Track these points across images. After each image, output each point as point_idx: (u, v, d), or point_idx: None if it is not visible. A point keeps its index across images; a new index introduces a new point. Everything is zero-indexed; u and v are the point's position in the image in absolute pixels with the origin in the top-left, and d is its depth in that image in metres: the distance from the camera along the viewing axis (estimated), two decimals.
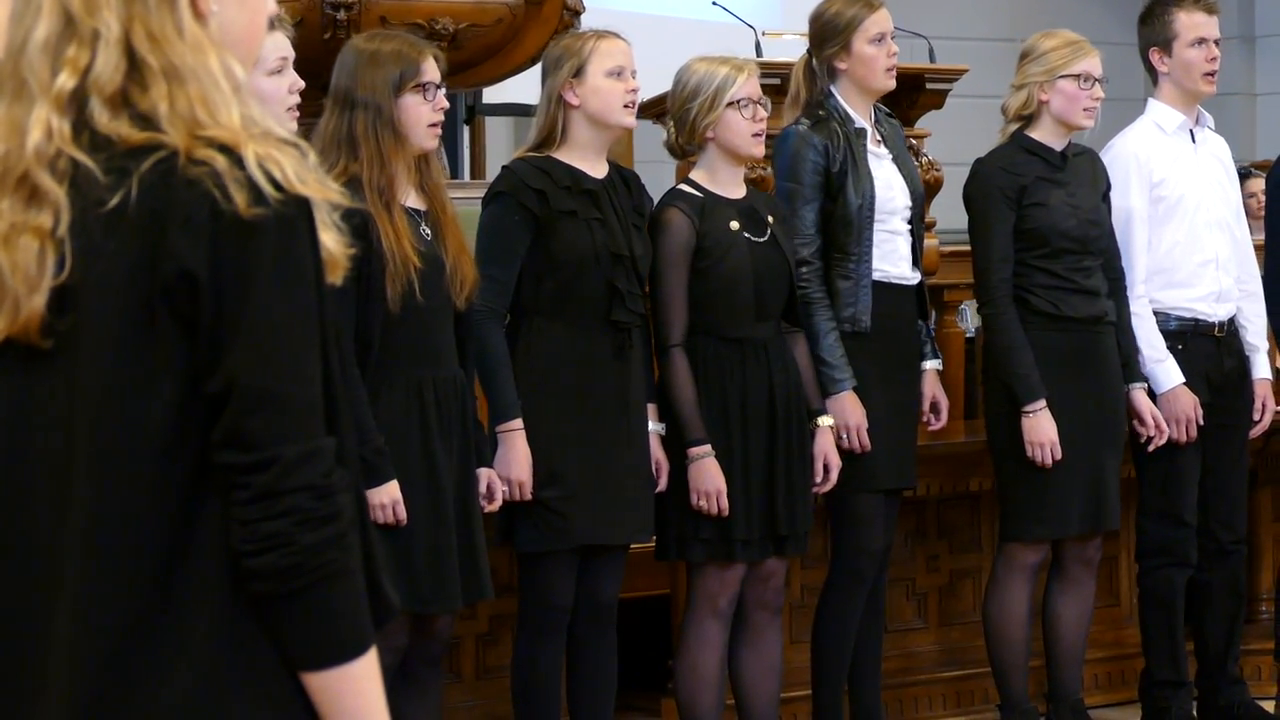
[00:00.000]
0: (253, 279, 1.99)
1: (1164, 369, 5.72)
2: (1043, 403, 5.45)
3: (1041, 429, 5.45)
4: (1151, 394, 5.72)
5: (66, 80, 2.01)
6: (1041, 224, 5.53)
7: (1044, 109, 5.60)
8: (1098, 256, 5.60)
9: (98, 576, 2.00)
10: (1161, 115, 5.89)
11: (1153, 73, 5.92)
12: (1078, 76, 5.56)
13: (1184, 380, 5.71)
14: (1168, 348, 5.74)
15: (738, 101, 5.00)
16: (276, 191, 1.99)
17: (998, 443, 5.59)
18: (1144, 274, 5.74)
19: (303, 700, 2.02)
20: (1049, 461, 5.45)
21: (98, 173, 2.00)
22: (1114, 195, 5.76)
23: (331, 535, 1.99)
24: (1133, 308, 5.72)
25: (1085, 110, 5.58)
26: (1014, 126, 5.65)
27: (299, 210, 2.01)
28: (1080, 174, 5.64)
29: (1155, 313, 5.75)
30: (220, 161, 1.98)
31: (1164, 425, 5.66)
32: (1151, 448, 5.65)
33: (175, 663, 2.00)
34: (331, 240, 2.06)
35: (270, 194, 1.99)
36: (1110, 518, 5.61)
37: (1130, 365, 5.66)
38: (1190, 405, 5.71)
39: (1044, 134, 5.62)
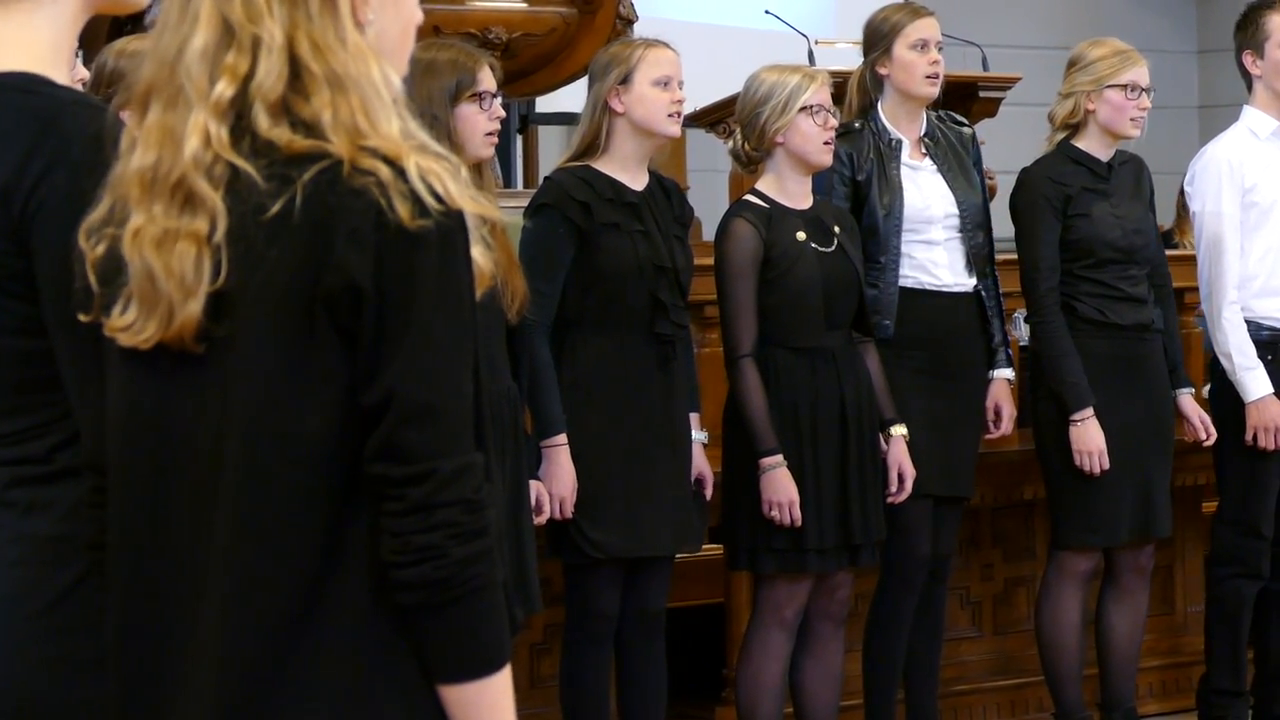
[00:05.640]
0: (416, 292, 1.95)
1: (1253, 377, 5.61)
2: (1090, 411, 5.35)
3: (1089, 437, 5.35)
4: (1210, 400, 5.62)
5: (225, 88, 1.97)
6: (1086, 235, 5.43)
7: (1091, 118, 5.51)
8: (1143, 265, 5.51)
9: (245, 582, 1.98)
10: (1255, 121, 5.81)
11: (1247, 79, 5.85)
12: (1125, 86, 5.47)
13: (1273, 390, 5.61)
14: (1257, 356, 5.63)
15: (810, 107, 4.93)
16: (438, 204, 1.95)
17: (1047, 451, 5.49)
18: (1235, 281, 5.64)
19: (440, 712, 1.99)
20: (1097, 470, 5.35)
21: (258, 179, 1.95)
22: (1206, 201, 5.69)
23: (481, 549, 1.96)
24: (1225, 314, 5.63)
25: (1132, 120, 5.48)
26: (1060, 135, 5.57)
27: (458, 224, 1.98)
28: (1124, 184, 5.55)
29: (1245, 320, 5.65)
30: (384, 172, 1.95)
31: (1211, 430, 5.55)
32: (1206, 440, 5.55)
33: (319, 672, 1.97)
34: (479, 254, 2.02)
35: (433, 207, 1.95)
36: (1160, 525, 5.50)
37: (1177, 371, 5.57)
38: (1279, 414, 5.59)
39: (1090, 143, 5.53)
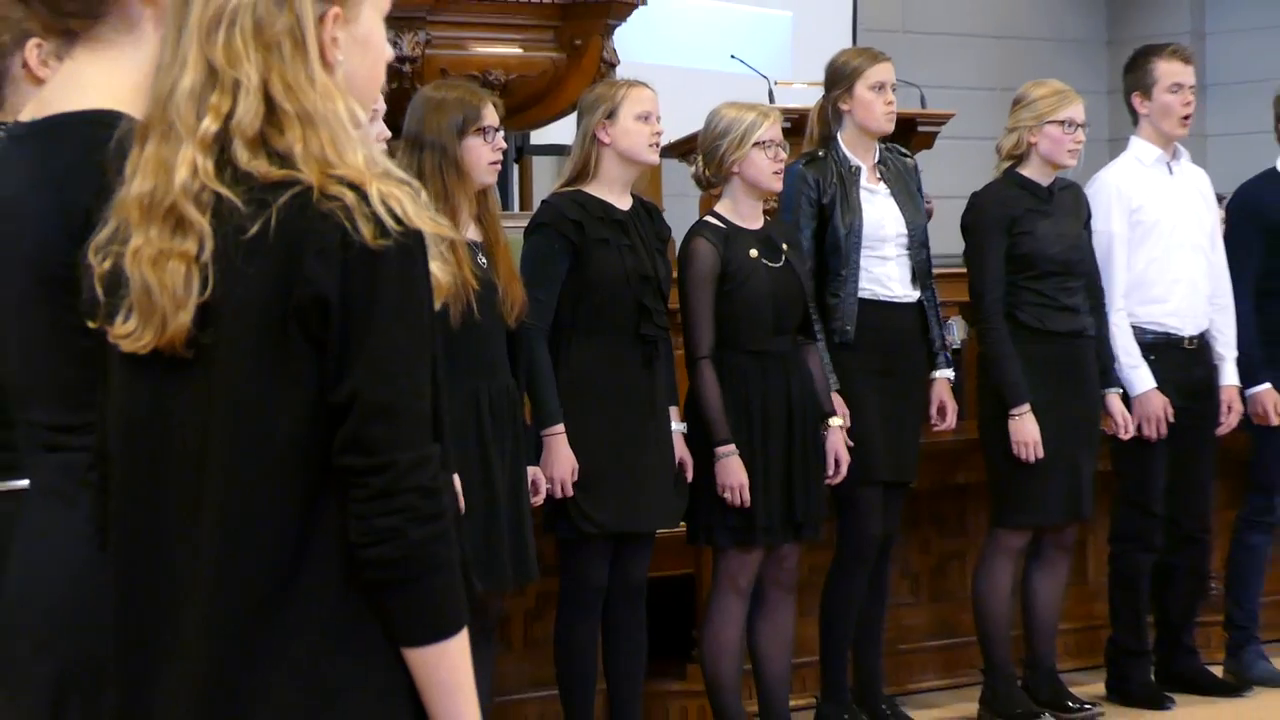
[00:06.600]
0: (377, 303, 1.96)
1: (1138, 374, 5.67)
2: (1027, 407, 5.43)
3: (1026, 429, 5.42)
4: (1125, 397, 5.67)
5: (210, 124, 1.98)
6: (1030, 250, 5.49)
7: (1033, 150, 5.57)
8: (1080, 278, 5.56)
9: (229, 563, 1.97)
10: (1141, 150, 5.86)
11: (1134, 114, 5.89)
12: (1063, 122, 5.53)
13: (1155, 385, 5.66)
14: (1141, 356, 5.69)
15: (763, 142, 4.98)
16: (398, 225, 1.96)
17: (989, 441, 5.55)
18: (1123, 289, 5.70)
19: (404, 672, 2.00)
20: (1032, 459, 5.42)
21: (239, 204, 1.96)
22: (1097, 221, 5.75)
23: (437, 531, 1.96)
24: (1112, 319, 5.70)
25: (1069, 151, 5.55)
26: (1006, 164, 5.63)
27: (416, 242, 1.98)
28: (1065, 206, 5.61)
29: (1132, 325, 5.71)
30: (350, 197, 1.95)
31: (1131, 426, 5.61)
32: (1125, 434, 5.63)
33: (295, 638, 1.97)
34: (438, 268, 2.06)
35: (393, 227, 1.95)
36: (1086, 508, 5.58)
37: (1107, 373, 5.62)
38: (1160, 407, 5.66)
39: (1033, 171, 5.59)
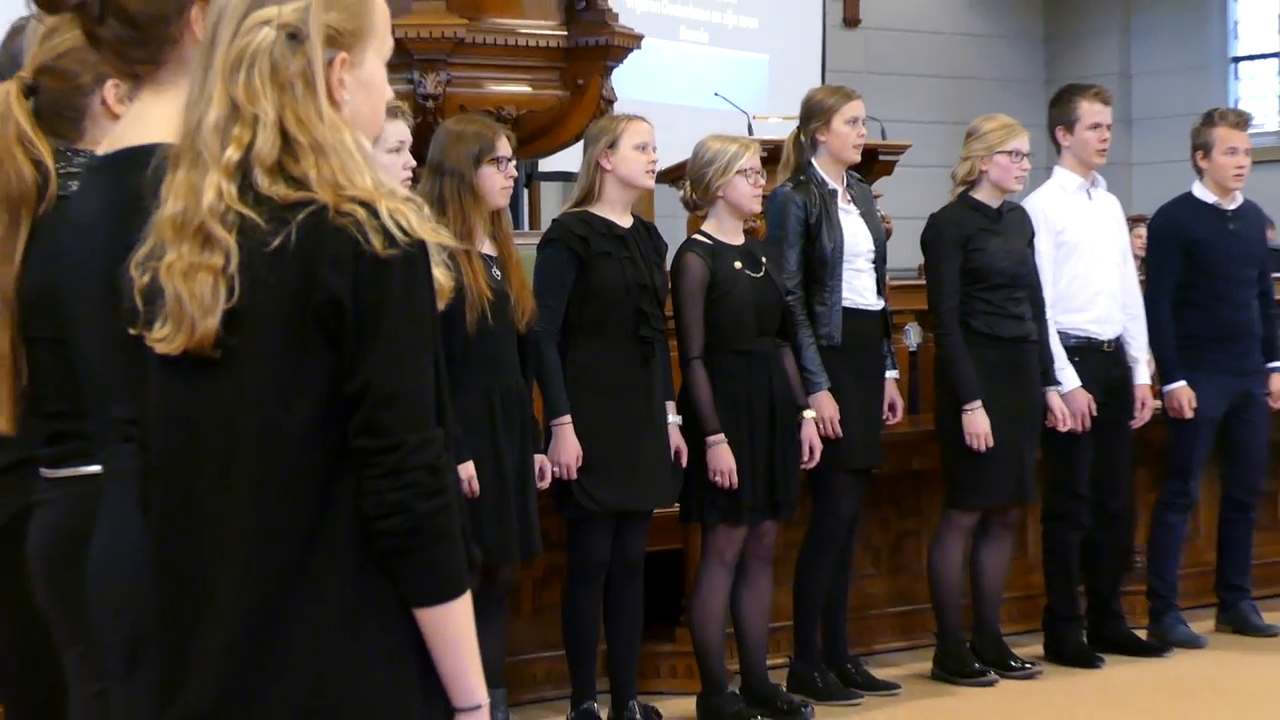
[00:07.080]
0: (385, 304, 1.99)
1: (1065, 375, 5.74)
2: (979, 402, 5.50)
3: (977, 423, 5.49)
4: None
5: (233, 153, 2.02)
6: (981, 265, 5.57)
7: (984, 176, 5.63)
8: (1025, 289, 5.63)
9: (258, 535, 2.01)
10: (1063, 179, 5.94)
11: (1057, 145, 5.95)
12: (1010, 152, 5.60)
13: (1080, 383, 5.74)
14: (1067, 358, 5.76)
15: (745, 170, 5.05)
16: (404, 236, 1.99)
17: (944, 432, 5.63)
18: (1050, 301, 5.76)
19: (413, 632, 2.03)
20: (982, 448, 5.50)
21: (261, 222, 2.00)
22: None
23: (441, 504, 2.00)
24: None
25: (1016, 178, 5.63)
26: (960, 189, 5.70)
27: (420, 251, 2.01)
28: (1012, 226, 5.69)
29: (1058, 331, 5.77)
30: (361, 213, 1.99)
31: (1068, 420, 5.69)
32: (1063, 428, 5.68)
33: (317, 598, 2.01)
34: (440, 274, 2.08)
35: (400, 238, 1.99)
36: (1029, 491, 5.67)
37: (1048, 373, 5.70)
38: (1085, 403, 5.73)
39: (984, 195, 5.66)
